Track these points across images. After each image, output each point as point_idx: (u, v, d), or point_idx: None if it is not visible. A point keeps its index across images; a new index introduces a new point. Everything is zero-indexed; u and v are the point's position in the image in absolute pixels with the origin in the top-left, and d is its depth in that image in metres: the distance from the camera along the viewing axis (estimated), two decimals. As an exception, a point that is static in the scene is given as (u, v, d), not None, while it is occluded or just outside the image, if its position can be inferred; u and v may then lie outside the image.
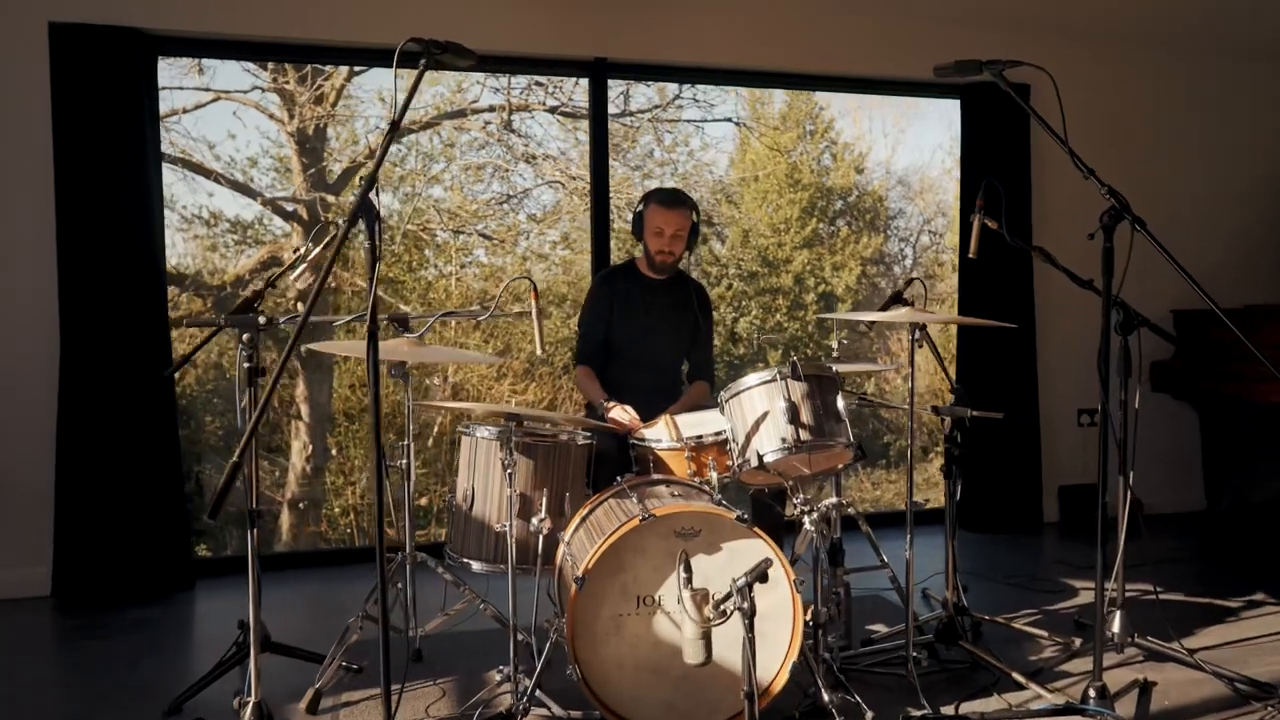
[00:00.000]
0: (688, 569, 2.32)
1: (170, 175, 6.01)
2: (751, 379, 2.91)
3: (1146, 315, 3.15)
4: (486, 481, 3.04)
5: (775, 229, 7.44)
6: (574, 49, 4.67)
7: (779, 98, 7.62)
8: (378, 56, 4.56)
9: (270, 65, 6.67)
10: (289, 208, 7.14)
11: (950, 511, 3.23)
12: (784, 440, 2.80)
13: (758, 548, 2.60)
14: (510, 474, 2.79)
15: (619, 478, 2.97)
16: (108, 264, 4.07)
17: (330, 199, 7.31)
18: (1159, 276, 3.74)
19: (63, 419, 4.04)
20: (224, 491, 1.78)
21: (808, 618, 2.72)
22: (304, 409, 7.60)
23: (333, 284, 7.35)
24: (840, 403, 2.89)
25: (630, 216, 3.74)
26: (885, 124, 7.48)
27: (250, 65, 6.45)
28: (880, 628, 3.54)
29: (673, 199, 3.66)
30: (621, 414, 3.39)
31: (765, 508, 3.33)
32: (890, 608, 3.75)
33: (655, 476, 2.98)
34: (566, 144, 7.64)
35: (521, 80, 6.81)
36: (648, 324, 3.74)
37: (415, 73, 2.11)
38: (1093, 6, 5.09)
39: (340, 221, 2.11)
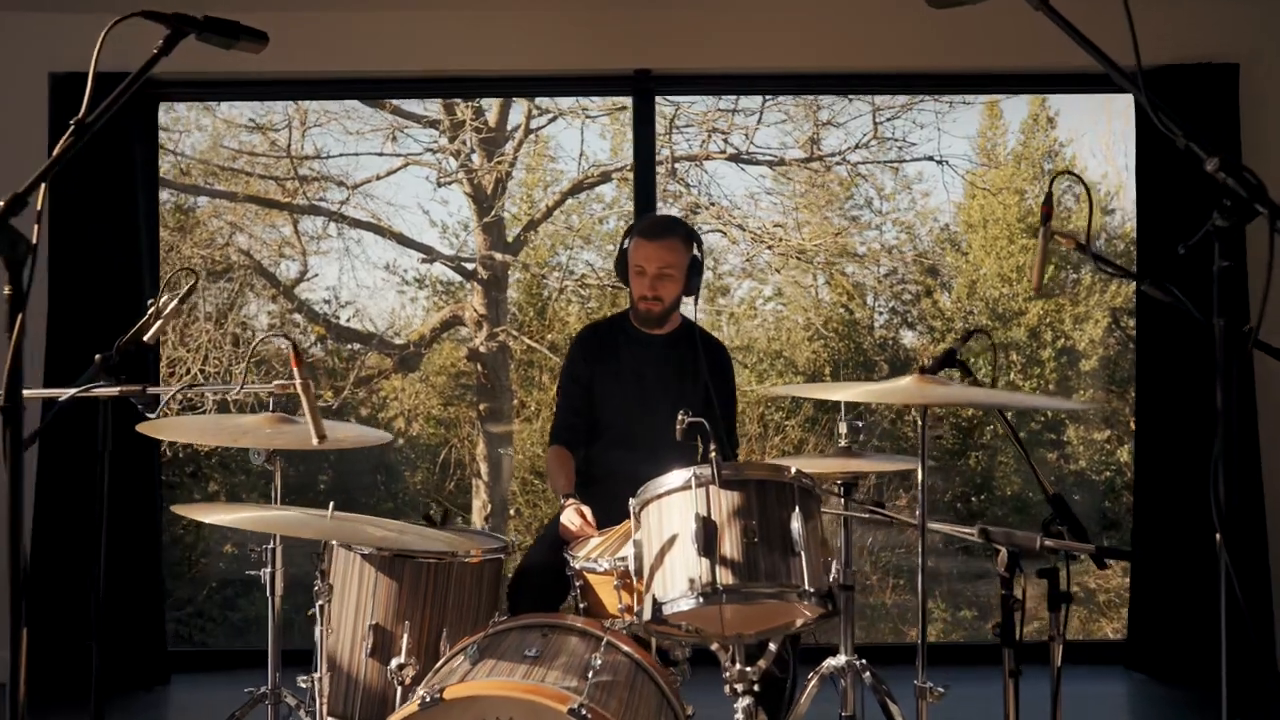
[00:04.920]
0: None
1: (363, 235, 6.80)
2: (671, 479, 1.95)
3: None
4: (341, 605, 2.28)
5: (1006, 278, 6.82)
6: (613, 62, 4.01)
7: (1012, 135, 7.09)
8: (399, 87, 4.08)
9: (444, 127, 6.77)
10: (469, 266, 7.23)
11: (1012, 694, 2.06)
12: (692, 582, 1.80)
13: (612, 759, 1.65)
14: (323, 605, 2.03)
15: (496, 616, 2.12)
16: (97, 318, 3.78)
17: (498, 257, 7.14)
18: None
19: (41, 489, 3.74)
20: None
21: None
22: (483, 468, 7.35)
23: (493, 345, 7.05)
24: (797, 525, 1.85)
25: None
26: (1146, 159, 6.58)
27: (432, 132, 6.84)
28: None
29: (657, 228, 2.80)
30: (572, 517, 2.53)
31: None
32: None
33: (541, 618, 2.09)
34: (739, 188, 7.52)
35: (696, 130, 6.60)
36: (639, 392, 2.86)
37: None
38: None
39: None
